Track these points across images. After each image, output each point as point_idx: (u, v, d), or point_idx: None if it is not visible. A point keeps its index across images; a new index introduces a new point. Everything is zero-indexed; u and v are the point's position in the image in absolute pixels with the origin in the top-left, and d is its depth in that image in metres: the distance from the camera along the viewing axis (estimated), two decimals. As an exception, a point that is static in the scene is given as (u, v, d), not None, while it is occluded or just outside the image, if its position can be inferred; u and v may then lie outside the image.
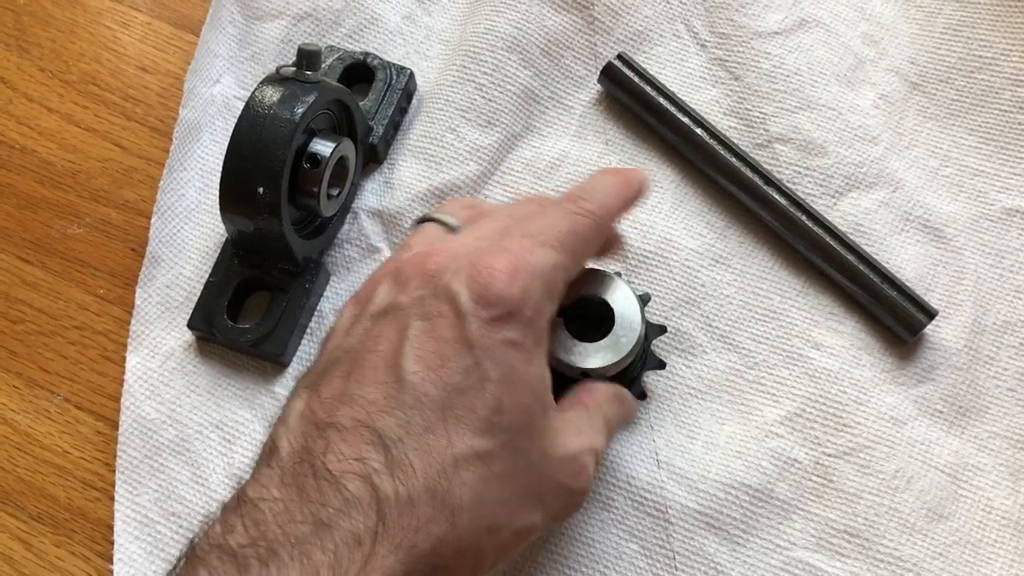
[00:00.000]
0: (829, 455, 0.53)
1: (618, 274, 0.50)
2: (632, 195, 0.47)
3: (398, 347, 0.39)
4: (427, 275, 0.41)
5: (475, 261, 0.39)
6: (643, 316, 0.49)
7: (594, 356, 0.48)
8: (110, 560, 0.52)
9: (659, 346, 0.55)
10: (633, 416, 0.51)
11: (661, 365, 0.53)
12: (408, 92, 0.62)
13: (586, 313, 0.49)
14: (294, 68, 0.52)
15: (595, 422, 0.44)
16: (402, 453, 0.36)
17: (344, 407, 0.37)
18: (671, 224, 0.58)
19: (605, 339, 0.48)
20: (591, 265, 0.50)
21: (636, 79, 0.60)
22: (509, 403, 0.38)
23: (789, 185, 0.58)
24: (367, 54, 0.61)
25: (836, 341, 0.55)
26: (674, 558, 0.51)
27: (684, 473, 0.52)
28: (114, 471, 0.54)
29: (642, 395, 0.53)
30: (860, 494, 0.52)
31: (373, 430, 0.36)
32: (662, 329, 0.53)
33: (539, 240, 0.41)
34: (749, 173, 0.57)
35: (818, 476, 0.52)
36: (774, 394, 0.54)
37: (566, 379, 0.48)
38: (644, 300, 0.52)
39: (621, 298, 0.49)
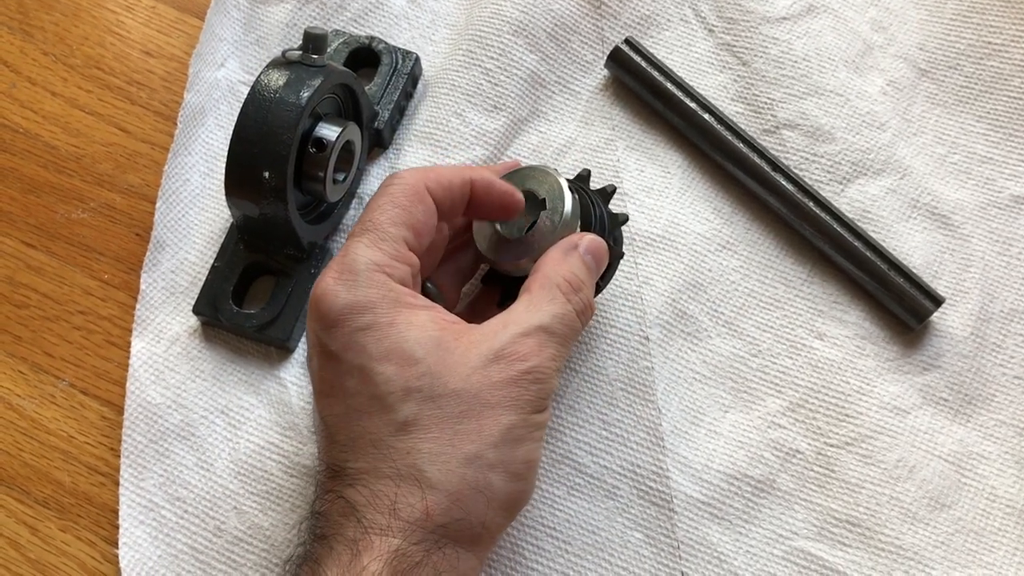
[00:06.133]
0: (831, 445, 0.53)
1: (555, 169, 0.50)
2: (470, 175, 0.48)
3: (313, 395, 0.45)
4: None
5: (312, 288, 0.44)
6: (584, 196, 0.50)
7: (527, 246, 0.48)
8: (115, 544, 0.53)
9: (664, 326, 0.55)
10: (602, 254, 0.48)
11: (624, 219, 0.52)
12: (414, 77, 0.61)
13: (530, 208, 0.50)
14: (300, 52, 0.52)
15: (539, 301, 0.45)
16: (353, 468, 0.41)
17: (319, 462, 0.45)
18: (678, 208, 0.58)
19: (532, 228, 0.48)
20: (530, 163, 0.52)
21: (643, 64, 0.60)
22: (391, 370, 0.41)
23: (796, 171, 0.58)
24: (372, 38, 0.61)
25: (839, 331, 0.55)
26: (678, 547, 0.51)
27: (688, 462, 0.52)
28: (119, 456, 0.54)
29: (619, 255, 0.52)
30: (862, 484, 0.52)
31: (329, 468, 0.43)
32: (624, 217, 0.52)
33: (355, 234, 0.45)
34: (756, 159, 0.57)
35: (820, 466, 0.52)
36: (777, 384, 0.54)
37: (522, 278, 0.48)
38: (606, 191, 0.52)
39: (548, 186, 0.49)
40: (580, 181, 0.52)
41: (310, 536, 0.42)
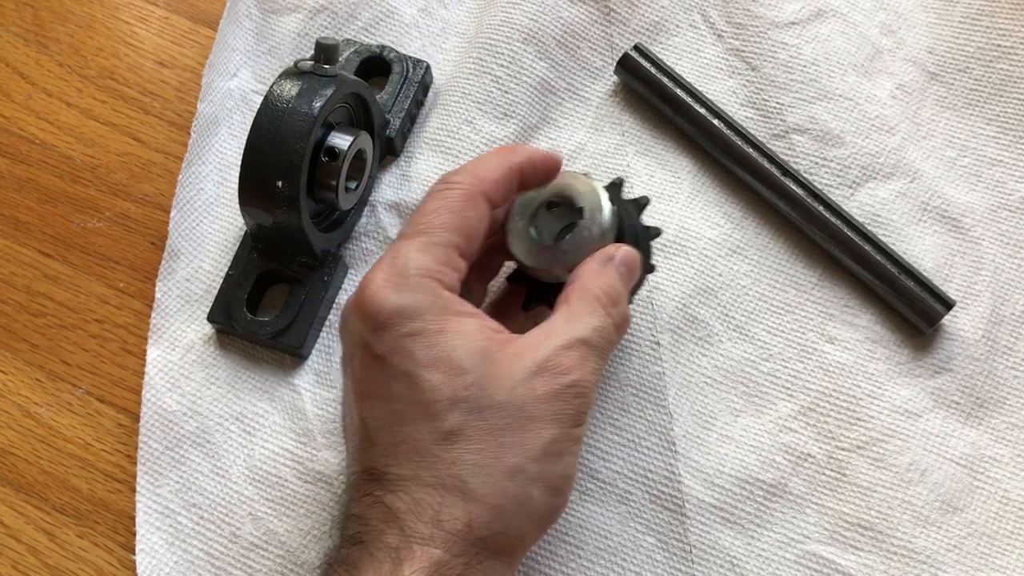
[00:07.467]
0: (843, 449, 0.53)
1: (586, 174, 0.50)
2: (514, 162, 0.47)
3: (349, 394, 0.45)
4: (341, 321, 0.46)
5: (360, 287, 0.43)
6: (620, 207, 0.49)
7: (562, 253, 0.48)
8: (132, 551, 0.53)
9: (675, 331, 0.55)
10: (636, 266, 0.48)
11: (657, 233, 0.51)
12: (424, 85, 0.62)
13: (566, 215, 0.50)
14: (312, 62, 0.52)
15: (579, 314, 0.44)
16: (394, 474, 0.41)
17: (353, 463, 0.44)
18: (689, 214, 0.59)
19: (569, 235, 0.48)
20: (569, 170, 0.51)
21: (653, 70, 0.60)
22: (438, 378, 0.41)
23: (806, 175, 0.58)
24: (383, 47, 0.62)
25: (851, 335, 0.55)
26: (690, 552, 0.51)
27: (700, 467, 0.53)
28: (135, 463, 0.55)
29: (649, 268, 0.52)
30: (874, 487, 0.52)
31: (367, 471, 0.42)
32: (656, 231, 0.51)
33: (407, 236, 0.44)
34: (766, 163, 0.57)
35: (832, 470, 0.52)
36: (788, 388, 0.54)
37: (558, 285, 0.48)
38: (640, 203, 0.51)
39: (586, 195, 0.48)
40: (613, 189, 0.52)
41: (344, 538, 0.42)
